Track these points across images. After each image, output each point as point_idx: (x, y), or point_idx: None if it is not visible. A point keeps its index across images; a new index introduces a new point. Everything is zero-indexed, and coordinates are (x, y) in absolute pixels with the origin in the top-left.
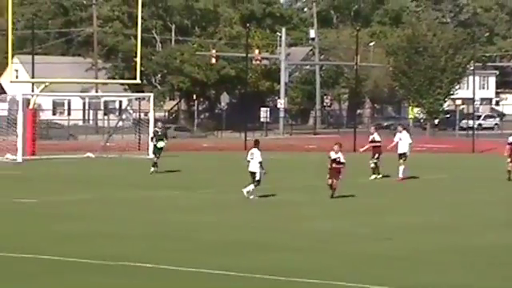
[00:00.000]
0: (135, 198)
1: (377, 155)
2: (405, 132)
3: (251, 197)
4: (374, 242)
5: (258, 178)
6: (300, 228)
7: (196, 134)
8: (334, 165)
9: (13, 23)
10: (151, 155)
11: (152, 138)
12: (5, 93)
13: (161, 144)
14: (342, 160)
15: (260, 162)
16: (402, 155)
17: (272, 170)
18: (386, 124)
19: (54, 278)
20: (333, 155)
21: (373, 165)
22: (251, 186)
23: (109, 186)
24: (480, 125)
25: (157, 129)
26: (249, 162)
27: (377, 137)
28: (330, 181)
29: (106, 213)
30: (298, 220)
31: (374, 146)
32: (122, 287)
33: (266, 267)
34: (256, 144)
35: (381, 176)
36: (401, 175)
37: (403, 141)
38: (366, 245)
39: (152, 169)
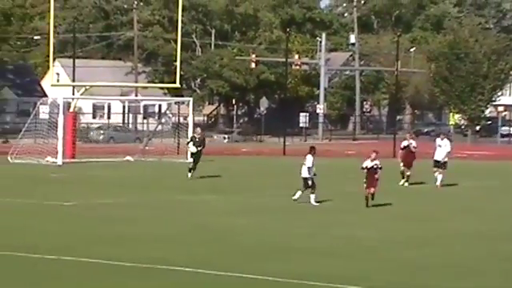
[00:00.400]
0: (174, 202)
1: (408, 162)
2: (446, 140)
3: (314, 203)
4: (413, 248)
5: (309, 183)
6: (341, 234)
7: (234, 138)
8: (371, 173)
9: (54, 27)
10: (189, 159)
11: (188, 143)
12: (46, 96)
13: (193, 149)
14: (379, 165)
15: (309, 168)
16: (438, 162)
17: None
18: (426, 130)
19: (90, 281)
20: (369, 164)
21: (408, 172)
22: (299, 193)
23: (147, 190)
24: None
25: (195, 135)
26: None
27: (414, 143)
28: (367, 190)
29: (144, 216)
30: (338, 226)
31: (408, 153)
32: None
33: (308, 273)
34: (311, 150)
35: (406, 183)
36: (438, 182)
37: (442, 148)
38: (407, 252)
39: (189, 174)
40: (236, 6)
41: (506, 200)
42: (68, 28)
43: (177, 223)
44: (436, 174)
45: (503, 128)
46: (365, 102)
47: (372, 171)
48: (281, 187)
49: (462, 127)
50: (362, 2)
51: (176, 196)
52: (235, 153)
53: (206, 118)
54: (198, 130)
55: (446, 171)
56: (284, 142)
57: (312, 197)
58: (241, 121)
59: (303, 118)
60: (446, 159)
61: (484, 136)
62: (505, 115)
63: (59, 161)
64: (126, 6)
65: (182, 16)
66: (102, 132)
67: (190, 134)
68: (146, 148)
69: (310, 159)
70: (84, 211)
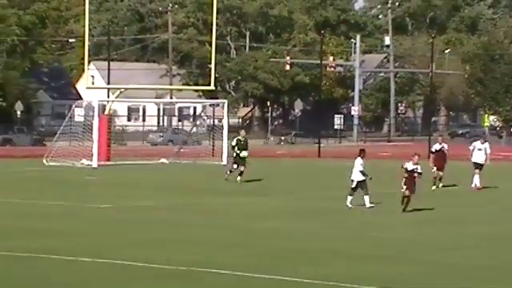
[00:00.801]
0: (211, 204)
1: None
2: (486, 143)
3: (369, 205)
4: (454, 251)
5: (353, 186)
6: (380, 236)
7: (270, 140)
8: (410, 176)
9: (89, 30)
10: (225, 161)
11: (234, 147)
12: (81, 99)
13: (244, 154)
14: (420, 170)
15: (361, 171)
16: (479, 165)
17: (347, 178)
18: (460, 132)
19: (125, 284)
20: (409, 166)
21: (441, 172)
22: (349, 198)
23: (183, 192)
24: None
25: (240, 137)
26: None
27: (446, 146)
28: (407, 192)
29: (181, 219)
30: (377, 228)
31: (441, 156)
32: None
33: (346, 275)
34: (360, 153)
35: (440, 185)
36: (478, 184)
37: (482, 151)
38: (445, 254)
39: (226, 175)
40: (270, 8)
41: None
42: (103, 31)
43: (215, 226)
44: (475, 176)
45: None
46: (399, 104)
47: (412, 174)
48: (317, 189)
49: (497, 129)
50: (397, 3)
51: (213, 198)
52: (270, 155)
53: (240, 121)
54: (243, 132)
55: (482, 173)
56: (319, 144)
57: (366, 198)
58: (275, 123)
59: (338, 120)
60: (485, 162)
61: None
62: None
63: (94, 163)
64: (160, 9)
65: (217, 18)
66: (161, 135)
67: (226, 137)
68: (181, 150)
69: (358, 162)
70: (120, 214)
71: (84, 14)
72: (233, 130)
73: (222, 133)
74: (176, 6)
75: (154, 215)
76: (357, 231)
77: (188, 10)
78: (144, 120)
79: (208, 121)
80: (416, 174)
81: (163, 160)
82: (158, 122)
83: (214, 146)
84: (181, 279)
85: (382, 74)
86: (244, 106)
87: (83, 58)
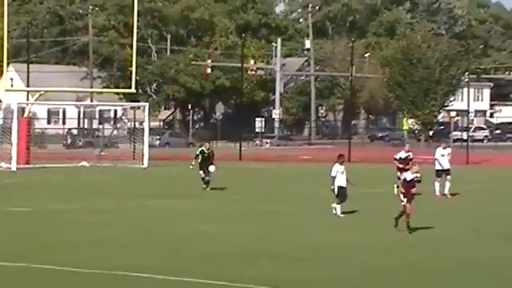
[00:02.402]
0: (130, 207)
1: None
2: (448, 148)
3: (340, 215)
4: (384, 253)
5: (336, 193)
6: (306, 240)
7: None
8: (410, 186)
9: (8, 32)
10: (146, 165)
11: (197, 156)
12: (0, 101)
13: (212, 168)
14: (420, 178)
15: (333, 177)
16: (445, 171)
17: (269, 182)
18: (380, 135)
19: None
20: (409, 176)
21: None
22: (338, 207)
23: (104, 195)
24: (470, 137)
25: (203, 148)
26: (333, 178)
27: (411, 155)
28: (408, 204)
29: (102, 221)
30: (303, 232)
31: (404, 166)
32: None
33: (275, 278)
34: (339, 158)
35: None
36: (447, 190)
37: (445, 157)
38: (369, 256)
39: (204, 185)
40: (191, 11)
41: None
42: (22, 33)
43: (134, 229)
44: (437, 183)
45: (454, 133)
46: (320, 107)
47: (411, 184)
48: (239, 192)
49: (416, 132)
50: (317, 7)
51: (134, 202)
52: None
53: (162, 123)
54: (207, 144)
55: (451, 178)
56: (240, 147)
57: (338, 206)
58: (197, 126)
59: (259, 123)
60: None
61: (437, 141)
62: (457, 120)
63: (13, 166)
64: (81, 11)
65: (138, 21)
66: (158, 137)
67: (147, 140)
68: (102, 153)
69: (336, 168)
70: (40, 217)
71: (3, 16)
72: (153, 133)
73: (142, 136)
74: (96, 9)
75: (73, 218)
76: (282, 234)
77: (109, 13)
78: (64, 123)
79: (129, 124)
80: (416, 185)
81: (84, 163)
82: (79, 125)
83: (134, 149)
84: (102, 283)
85: (302, 78)
86: (165, 108)
87: (2, 60)
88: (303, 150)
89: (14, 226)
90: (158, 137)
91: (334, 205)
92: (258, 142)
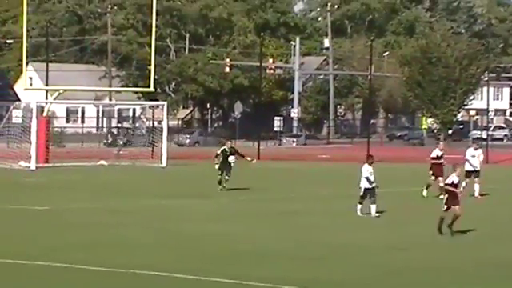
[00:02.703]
0: (148, 207)
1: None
2: (479, 149)
3: (375, 214)
4: (399, 252)
5: (361, 193)
6: (323, 240)
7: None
8: (451, 189)
9: (27, 31)
10: (164, 163)
11: (217, 155)
12: (19, 100)
13: (231, 159)
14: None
15: (366, 178)
16: (475, 172)
17: (287, 181)
18: (399, 134)
19: (65, 286)
20: (455, 179)
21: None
22: (359, 206)
23: (121, 195)
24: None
25: (225, 148)
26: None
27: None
28: (456, 208)
29: (120, 221)
30: (323, 232)
31: (439, 164)
32: None
33: (281, 278)
34: (368, 159)
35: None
36: (477, 193)
37: (475, 158)
38: (385, 256)
39: (220, 186)
40: (210, 10)
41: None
42: (41, 32)
43: (151, 229)
44: (464, 183)
45: (473, 132)
46: (339, 106)
47: (453, 187)
48: (258, 192)
49: (435, 131)
50: (336, 6)
51: (151, 201)
52: (209, 157)
53: (180, 122)
54: (229, 143)
55: (480, 180)
56: (258, 146)
57: (373, 207)
58: (215, 125)
59: (277, 122)
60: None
61: (456, 140)
62: (476, 119)
63: (32, 165)
64: (99, 10)
65: (156, 20)
66: (187, 136)
67: (165, 139)
68: (121, 152)
69: (366, 168)
70: (58, 216)
71: (22, 15)
72: (172, 131)
73: (161, 135)
74: (115, 8)
75: (92, 217)
76: (300, 234)
77: (127, 12)
78: (83, 122)
79: (147, 123)
80: (462, 189)
81: (102, 162)
82: (97, 124)
83: (153, 148)
84: (119, 281)
85: (321, 77)
86: (184, 107)
87: (21, 60)
88: (322, 149)
89: (33, 224)
90: (188, 135)
91: (359, 206)
92: (284, 140)
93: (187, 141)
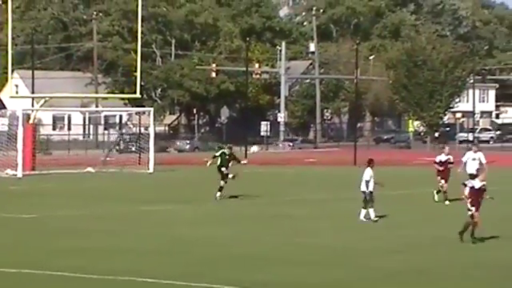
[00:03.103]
0: (136, 213)
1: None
2: (479, 153)
3: (374, 218)
4: (393, 255)
5: (367, 198)
6: (313, 243)
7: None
8: (479, 194)
9: (12, 38)
10: (151, 170)
11: (214, 157)
12: (5, 108)
13: (224, 169)
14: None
15: (366, 181)
16: (472, 175)
17: (276, 185)
18: (386, 137)
19: None
20: (477, 184)
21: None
22: (363, 211)
23: (109, 201)
24: (476, 138)
25: (225, 150)
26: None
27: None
28: (476, 213)
29: (106, 228)
30: (313, 234)
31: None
32: None
33: (275, 282)
34: (369, 163)
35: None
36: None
37: (475, 161)
38: (379, 259)
39: (218, 193)
40: (196, 15)
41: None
42: (26, 39)
43: (139, 235)
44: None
45: (460, 134)
46: (325, 110)
47: (480, 192)
48: (248, 196)
49: (421, 134)
50: (321, 10)
51: (139, 207)
52: (198, 162)
53: (167, 128)
54: (228, 145)
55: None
56: (245, 151)
57: (371, 211)
58: (202, 130)
59: (264, 127)
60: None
61: (442, 142)
62: (462, 122)
63: (19, 173)
64: (85, 17)
65: (142, 26)
66: (187, 142)
67: (152, 145)
68: (107, 159)
69: (367, 172)
70: (45, 224)
71: (7, 23)
72: (159, 137)
73: (148, 141)
74: (100, 14)
75: (79, 224)
76: (288, 237)
77: (113, 18)
78: (69, 129)
79: (134, 129)
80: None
81: (89, 169)
82: (84, 131)
83: (140, 154)
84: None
85: (307, 81)
86: (170, 113)
87: (6, 67)
88: (309, 153)
89: (19, 232)
90: (188, 141)
91: (364, 210)
92: (280, 145)
93: (187, 146)
